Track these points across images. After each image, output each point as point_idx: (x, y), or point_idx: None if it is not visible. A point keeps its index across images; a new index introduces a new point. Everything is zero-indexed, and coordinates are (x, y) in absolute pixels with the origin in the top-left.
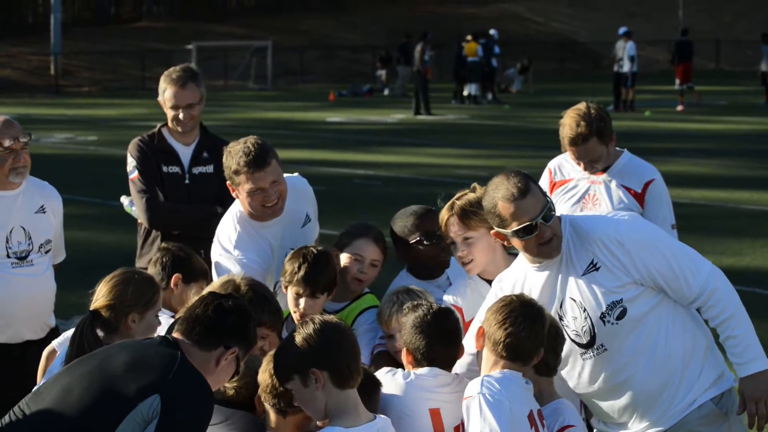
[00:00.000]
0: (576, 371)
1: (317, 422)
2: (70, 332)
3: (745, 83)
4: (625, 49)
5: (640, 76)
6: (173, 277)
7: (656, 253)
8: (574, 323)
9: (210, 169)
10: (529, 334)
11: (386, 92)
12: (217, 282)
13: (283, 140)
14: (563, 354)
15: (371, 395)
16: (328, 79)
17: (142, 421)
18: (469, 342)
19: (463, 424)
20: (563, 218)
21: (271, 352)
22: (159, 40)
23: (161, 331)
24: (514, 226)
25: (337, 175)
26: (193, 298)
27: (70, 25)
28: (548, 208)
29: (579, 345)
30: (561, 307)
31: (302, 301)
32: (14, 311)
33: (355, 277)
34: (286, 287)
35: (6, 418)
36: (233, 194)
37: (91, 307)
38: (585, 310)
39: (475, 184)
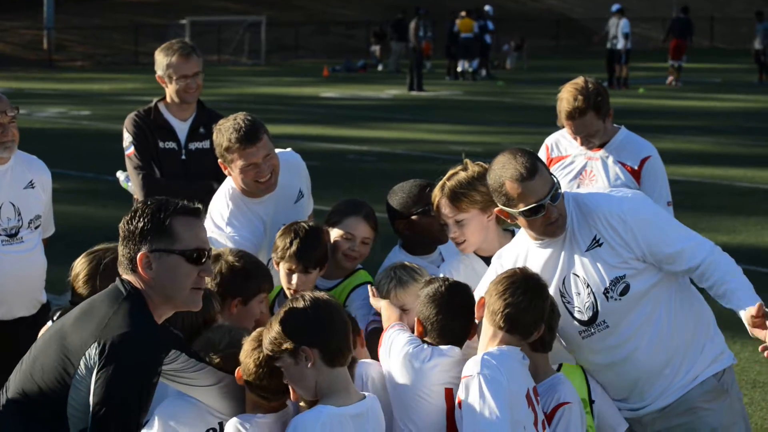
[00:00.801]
0: (576, 347)
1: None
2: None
3: (739, 61)
4: (618, 26)
5: (633, 54)
6: (232, 303)
7: (658, 230)
8: (576, 299)
9: (206, 144)
10: (528, 306)
11: (380, 68)
12: None
13: (277, 115)
14: (563, 332)
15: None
16: (322, 55)
17: (88, 373)
18: None
19: (459, 401)
20: (566, 195)
21: (256, 332)
22: (152, 14)
23: None
24: (521, 207)
25: (331, 150)
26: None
27: None
28: (555, 188)
29: (580, 322)
30: (563, 283)
31: (295, 276)
32: (5, 289)
33: (346, 254)
34: (278, 263)
35: None
36: (225, 171)
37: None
38: (588, 285)
39: (466, 161)
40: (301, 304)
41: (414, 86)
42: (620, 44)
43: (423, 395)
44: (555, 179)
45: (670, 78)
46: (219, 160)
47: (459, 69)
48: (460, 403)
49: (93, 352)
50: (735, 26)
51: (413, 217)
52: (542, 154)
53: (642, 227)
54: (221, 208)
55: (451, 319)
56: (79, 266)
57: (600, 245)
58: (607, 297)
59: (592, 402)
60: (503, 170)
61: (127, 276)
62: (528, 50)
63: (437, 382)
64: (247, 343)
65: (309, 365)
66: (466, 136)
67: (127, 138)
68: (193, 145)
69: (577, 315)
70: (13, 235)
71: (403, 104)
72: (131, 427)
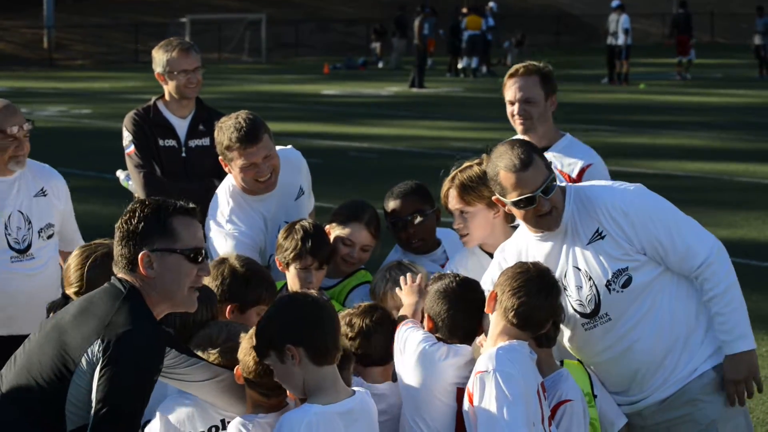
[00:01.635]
0: (577, 340)
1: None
2: None
3: (740, 56)
4: (618, 22)
5: (634, 49)
6: (227, 308)
7: (659, 223)
8: (578, 293)
9: (206, 141)
10: (542, 304)
11: (381, 65)
12: (211, 263)
13: (278, 113)
14: (564, 324)
15: (345, 368)
16: (322, 52)
17: (89, 369)
18: None
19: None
20: (568, 188)
21: (251, 331)
22: (153, 12)
23: None
24: (514, 197)
25: (333, 147)
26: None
27: None
28: (549, 181)
29: (582, 315)
30: (565, 276)
31: (313, 274)
32: (14, 309)
33: (344, 259)
34: (289, 264)
35: None
36: (226, 169)
37: (66, 291)
38: (590, 278)
39: (484, 155)
40: (287, 302)
41: (415, 83)
42: (620, 40)
43: (437, 394)
44: (551, 172)
45: (678, 75)
46: (219, 158)
47: (460, 66)
48: (470, 398)
49: (96, 348)
50: (736, 21)
51: (401, 223)
52: None
53: (643, 220)
54: (222, 205)
55: (462, 315)
56: (71, 259)
57: (602, 237)
58: (609, 289)
59: (594, 396)
60: (499, 160)
61: (124, 275)
62: (529, 46)
63: (451, 381)
64: (245, 341)
65: (295, 364)
66: (466, 133)
67: (126, 137)
68: (193, 143)
69: (578, 308)
70: (23, 250)
71: (403, 101)
72: (134, 424)
